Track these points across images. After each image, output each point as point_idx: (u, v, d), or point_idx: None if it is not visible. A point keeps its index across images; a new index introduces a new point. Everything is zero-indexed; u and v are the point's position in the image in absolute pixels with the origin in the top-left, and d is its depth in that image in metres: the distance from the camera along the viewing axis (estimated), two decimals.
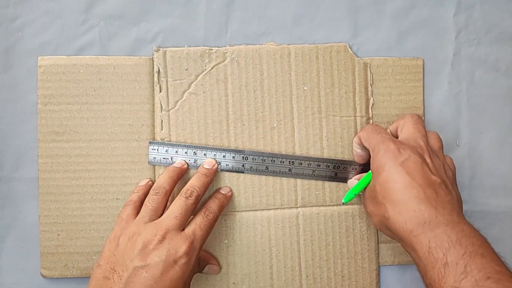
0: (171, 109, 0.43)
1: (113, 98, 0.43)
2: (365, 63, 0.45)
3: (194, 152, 0.42)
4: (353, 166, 0.44)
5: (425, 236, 0.33)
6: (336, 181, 0.44)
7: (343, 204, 0.41)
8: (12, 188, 0.43)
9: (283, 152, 0.44)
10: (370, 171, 0.40)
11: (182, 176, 0.42)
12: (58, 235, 0.42)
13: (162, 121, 0.43)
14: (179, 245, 0.35)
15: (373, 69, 0.45)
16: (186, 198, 0.38)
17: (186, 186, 0.40)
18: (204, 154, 0.43)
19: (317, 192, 0.44)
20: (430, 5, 0.47)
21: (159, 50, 0.43)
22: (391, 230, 0.36)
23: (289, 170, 0.43)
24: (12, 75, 0.43)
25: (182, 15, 0.45)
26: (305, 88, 0.44)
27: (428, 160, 0.36)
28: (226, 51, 0.44)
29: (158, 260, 0.34)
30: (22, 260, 0.43)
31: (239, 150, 0.43)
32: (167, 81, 0.43)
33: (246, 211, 0.44)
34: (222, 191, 0.42)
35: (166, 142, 0.43)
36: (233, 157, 0.43)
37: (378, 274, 0.45)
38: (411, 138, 0.38)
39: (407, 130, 0.39)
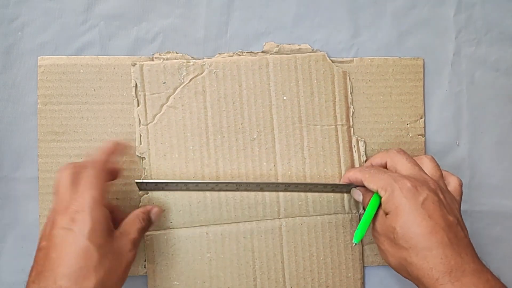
0: (149, 123, 0.43)
1: (113, 98, 0.43)
2: (344, 72, 0.44)
3: (185, 184, 0.41)
4: (347, 188, 0.42)
5: (452, 285, 0.33)
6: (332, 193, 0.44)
7: (354, 244, 0.38)
8: (12, 188, 0.43)
9: (264, 163, 0.43)
10: (372, 199, 0.38)
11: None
12: None
13: (140, 135, 0.43)
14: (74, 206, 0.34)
15: (373, 69, 0.45)
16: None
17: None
18: (196, 185, 0.42)
19: (300, 203, 0.43)
20: (430, 5, 0.47)
21: (135, 64, 0.43)
22: (413, 275, 0.35)
23: (285, 188, 0.43)
24: (12, 75, 0.43)
25: (182, 15, 0.45)
26: (284, 98, 0.44)
27: (442, 197, 0.36)
28: (203, 63, 0.43)
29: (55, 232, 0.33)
30: (22, 260, 0.43)
31: (232, 183, 0.42)
32: (144, 95, 0.43)
33: (228, 223, 0.43)
34: None
35: (153, 181, 0.41)
36: (226, 185, 0.42)
37: (363, 283, 0.45)
38: (414, 174, 0.37)
39: (404, 166, 0.38)
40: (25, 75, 0.43)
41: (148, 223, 0.39)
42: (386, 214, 0.36)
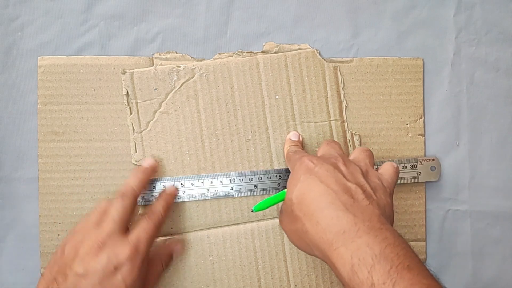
0: (143, 130, 0.43)
1: (113, 98, 0.43)
2: (334, 67, 0.44)
3: (181, 184, 0.42)
4: None
5: (347, 249, 0.30)
6: None
7: (252, 211, 0.39)
8: (12, 188, 0.43)
9: (261, 163, 0.43)
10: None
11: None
12: (58, 235, 0.42)
13: (135, 143, 0.43)
14: (121, 250, 0.34)
15: (373, 69, 0.45)
16: (122, 197, 0.37)
17: (121, 186, 0.39)
18: (192, 184, 0.42)
19: None
20: (430, 5, 0.47)
21: (125, 72, 0.43)
22: (312, 244, 0.33)
23: (278, 184, 0.43)
24: (12, 75, 0.43)
25: (182, 15, 0.45)
26: (276, 97, 0.44)
27: (342, 168, 0.35)
28: (194, 67, 0.43)
29: (98, 267, 0.33)
30: (22, 260, 0.43)
31: (225, 174, 0.42)
32: (136, 103, 0.43)
33: (228, 225, 0.43)
34: (167, 190, 0.41)
35: (151, 178, 0.41)
36: (221, 182, 0.42)
37: None
38: (326, 153, 0.37)
39: (322, 149, 0.39)
40: (25, 75, 0.43)
41: (169, 263, 0.42)
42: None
